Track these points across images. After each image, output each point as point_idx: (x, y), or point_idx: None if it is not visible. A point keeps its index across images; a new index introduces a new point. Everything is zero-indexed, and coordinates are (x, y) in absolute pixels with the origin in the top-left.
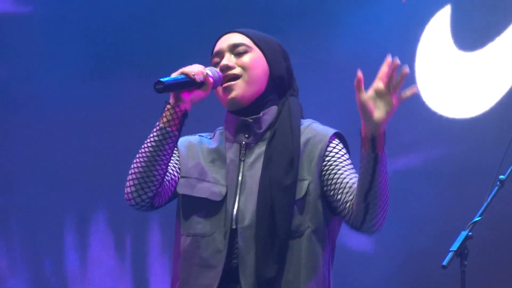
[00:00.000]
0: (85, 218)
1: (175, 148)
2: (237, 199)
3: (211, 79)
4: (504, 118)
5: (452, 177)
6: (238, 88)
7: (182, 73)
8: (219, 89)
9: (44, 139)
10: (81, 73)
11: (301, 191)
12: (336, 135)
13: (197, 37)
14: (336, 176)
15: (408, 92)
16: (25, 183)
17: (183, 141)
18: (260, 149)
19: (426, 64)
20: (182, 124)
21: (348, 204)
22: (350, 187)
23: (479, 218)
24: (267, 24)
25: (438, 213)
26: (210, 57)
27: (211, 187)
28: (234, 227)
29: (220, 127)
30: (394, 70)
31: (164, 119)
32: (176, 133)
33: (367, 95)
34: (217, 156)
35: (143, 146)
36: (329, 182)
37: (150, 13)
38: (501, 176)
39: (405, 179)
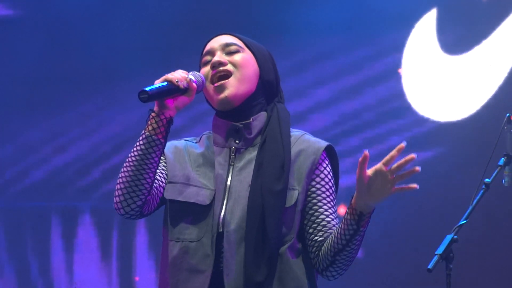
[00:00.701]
0: (71, 220)
1: (163, 161)
2: (224, 203)
3: (194, 85)
4: (489, 121)
5: (437, 180)
6: (231, 86)
7: (166, 80)
8: (210, 88)
9: (30, 139)
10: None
11: (291, 200)
12: (327, 151)
13: (178, 40)
14: (315, 208)
15: (408, 187)
16: (11, 184)
17: (169, 146)
18: (250, 154)
19: (412, 67)
20: (168, 131)
21: (315, 244)
22: (324, 226)
23: (465, 221)
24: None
25: (424, 216)
26: (191, 58)
27: (198, 191)
28: (220, 230)
29: (206, 132)
30: (403, 160)
31: (150, 127)
32: (162, 140)
33: (368, 173)
34: (205, 160)
35: (129, 155)
36: (307, 211)
37: (127, 13)
38: (487, 180)
39: None
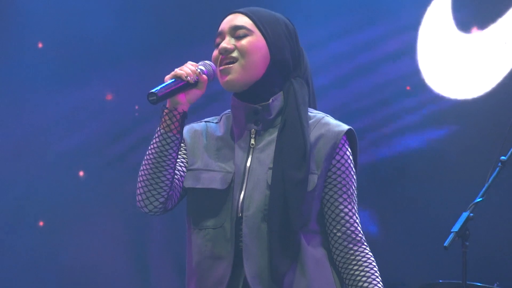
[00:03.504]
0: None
1: (183, 147)
2: (244, 186)
3: (205, 77)
4: (505, 99)
5: (453, 158)
6: (234, 72)
7: (175, 76)
8: (217, 71)
9: (35, 127)
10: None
11: (311, 185)
12: (347, 135)
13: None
14: (335, 197)
15: None
16: (20, 172)
17: (188, 130)
18: (271, 135)
19: (428, 46)
20: (182, 125)
21: (334, 237)
22: (342, 218)
23: (481, 199)
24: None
25: (439, 194)
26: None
27: (215, 176)
28: (240, 215)
29: (227, 111)
30: None
31: (164, 124)
32: (178, 136)
33: None
34: (224, 143)
35: (147, 153)
36: (326, 198)
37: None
38: (502, 157)
39: (406, 160)
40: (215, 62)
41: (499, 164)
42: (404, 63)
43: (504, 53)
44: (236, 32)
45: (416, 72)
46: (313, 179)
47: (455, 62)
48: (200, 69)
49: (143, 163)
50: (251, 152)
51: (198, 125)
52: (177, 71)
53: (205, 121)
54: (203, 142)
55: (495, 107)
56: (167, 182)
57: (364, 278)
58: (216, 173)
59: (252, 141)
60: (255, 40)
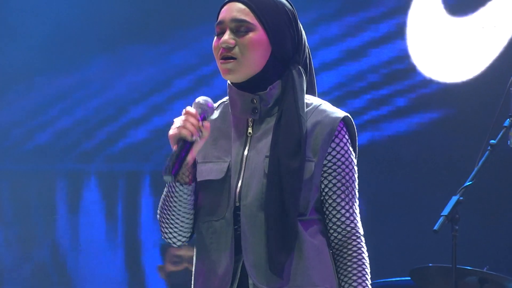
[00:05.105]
0: (77, 183)
1: None
2: (242, 175)
3: (207, 124)
4: (494, 83)
5: (443, 142)
6: (233, 67)
7: (180, 139)
8: (218, 61)
9: (35, 101)
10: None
11: (308, 172)
12: (344, 121)
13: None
14: (333, 189)
15: None
16: (16, 147)
17: None
18: (268, 124)
19: (417, 30)
20: (195, 172)
21: (330, 230)
22: (334, 215)
23: (470, 182)
24: None
25: (429, 178)
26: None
27: (212, 167)
28: (237, 204)
29: (224, 98)
30: None
31: (179, 177)
32: (192, 183)
33: None
34: (221, 133)
35: (166, 202)
36: (323, 188)
37: None
38: (492, 141)
39: (397, 143)
40: (215, 51)
41: (489, 148)
42: (393, 47)
43: (493, 37)
44: (238, 26)
45: (405, 56)
46: (310, 166)
47: (445, 45)
48: (198, 113)
49: (163, 209)
50: (248, 141)
51: None
52: (181, 131)
53: None
54: None
55: (485, 90)
56: (190, 221)
57: (352, 276)
58: (213, 164)
59: (250, 130)
60: (256, 37)
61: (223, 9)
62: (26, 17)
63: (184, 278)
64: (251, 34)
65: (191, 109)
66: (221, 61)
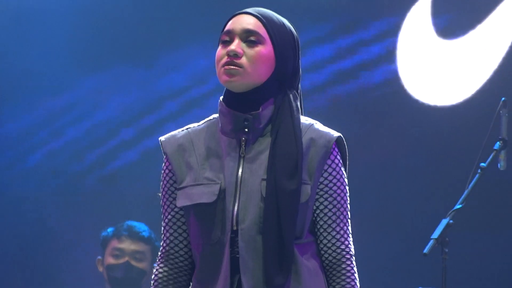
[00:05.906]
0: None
1: (167, 167)
2: (237, 198)
3: None
4: (484, 106)
5: (432, 164)
6: (237, 76)
7: None
8: (221, 70)
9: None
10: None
11: (304, 196)
12: (337, 142)
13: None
14: (325, 212)
15: None
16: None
17: (171, 144)
18: (261, 145)
19: (407, 52)
20: None
21: (322, 247)
22: (325, 236)
23: (460, 206)
24: None
25: (419, 201)
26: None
27: (204, 190)
28: (235, 228)
29: (211, 116)
30: None
31: None
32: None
33: None
34: (211, 152)
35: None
36: (315, 210)
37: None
38: (482, 164)
39: (385, 166)
40: (219, 59)
41: (479, 171)
42: (383, 69)
43: (483, 60)
44: (248, 36)
45: (396, 78)
46: (306, 190)
47: (435, 68)
48: None
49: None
50: (241, 162)
51: (181, 136)
52: None
53: (187, 129)
54: (189, 155)
55: (475, 113)
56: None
57: None
58: (204, 187)
59: (243, 151)
60: (265, 51)
61: (232, 20)
62: (13, 40)
63: (124, 272)
64: (260, 47)
65: None
66: (225, 67)
